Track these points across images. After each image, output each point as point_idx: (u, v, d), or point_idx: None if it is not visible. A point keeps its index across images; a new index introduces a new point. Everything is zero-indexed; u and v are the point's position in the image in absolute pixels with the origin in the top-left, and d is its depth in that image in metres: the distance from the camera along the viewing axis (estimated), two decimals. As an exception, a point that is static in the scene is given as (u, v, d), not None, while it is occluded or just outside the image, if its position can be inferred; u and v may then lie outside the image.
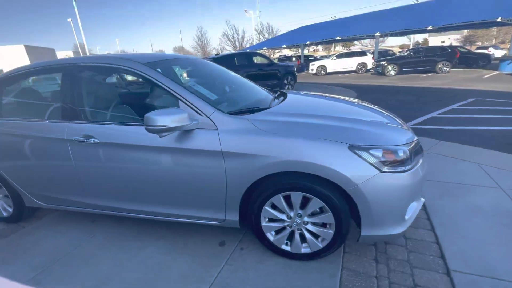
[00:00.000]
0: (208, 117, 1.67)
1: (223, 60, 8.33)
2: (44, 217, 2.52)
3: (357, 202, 1.52)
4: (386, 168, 1.48)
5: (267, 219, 1.74)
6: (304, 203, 1.63)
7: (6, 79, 2.25)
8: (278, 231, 1.77)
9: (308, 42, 20.47)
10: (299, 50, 23.96)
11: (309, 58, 23.76)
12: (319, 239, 1.70)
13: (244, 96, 2.45)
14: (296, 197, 1.62)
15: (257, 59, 9.23)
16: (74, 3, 22.54)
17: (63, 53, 44.66)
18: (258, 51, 15.58)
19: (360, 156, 1.47)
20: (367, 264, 1.72)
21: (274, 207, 1.70)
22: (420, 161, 1.67)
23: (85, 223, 2.36)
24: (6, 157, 2.18)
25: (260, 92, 2.60)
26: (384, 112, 2.12)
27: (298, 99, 2.38)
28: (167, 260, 1.86)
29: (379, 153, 1.49)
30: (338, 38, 17.91)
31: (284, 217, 1.71)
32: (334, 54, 19.15)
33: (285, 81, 9.56)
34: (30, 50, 39.10)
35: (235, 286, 1.61)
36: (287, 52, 34.80)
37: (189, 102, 1.70)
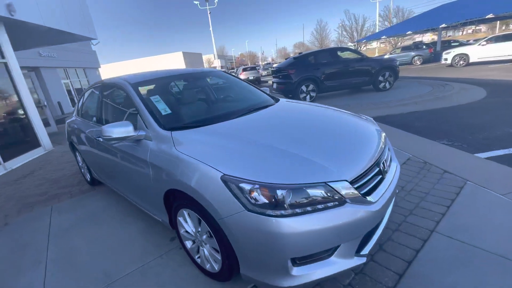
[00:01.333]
0: (150, 131, 1.97)
1: (302, 59, 8.12)
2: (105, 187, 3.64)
3: (227, 235, 1.41)
4: (255, 208, 1.29)
5: (183, 229, 1.88)
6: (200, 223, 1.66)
7: (85, 92, 3.40)
8: (194, 241, 1.87)
9: (443, 25, 16.07)
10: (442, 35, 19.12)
11: (452, 44, 18.66)
12: (214, 261, 1.68)
13: (214, 109, 2.57)
14: (193, 215, 1.67)
15: (344, 55, 8.37)
16: (208, 16, 27.66)
17: (206, 57, 55.69)
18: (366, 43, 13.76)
19: (229, 188, 1.36)
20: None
21: (185, 219, 1.81)
22: (329, 213, 1.31)
23: (112, 198, 3.25)
24: (80, 144, 3.32)
25: (245, 102, 2.62)
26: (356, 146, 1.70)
27: (267, 115, 2.23)
28: (128, 238, 2.37)
29: (247, 188, 1.32)
30: (490, 16, 13.09)
31: (190, 230, 1.79)
32: (483, 38, 14.16)
33: (381, 78, 8.20)
34: (186, 55, 51.09)
35: (150, 277, 1.89)
36: (427, 38, 28.88)
37: (142, 117, 2.05)
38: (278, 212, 1.27)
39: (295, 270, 1.34)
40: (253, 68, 21.30)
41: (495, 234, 1.85)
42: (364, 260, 1.45)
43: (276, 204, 1.28)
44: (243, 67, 21.53)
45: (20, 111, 5.69)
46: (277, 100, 2.74)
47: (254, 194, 1.30)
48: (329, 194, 1.34)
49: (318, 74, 7.88)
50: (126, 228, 2.54)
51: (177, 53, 48.22)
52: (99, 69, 21.83)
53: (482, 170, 2.74)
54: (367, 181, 1.50)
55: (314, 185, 1.33)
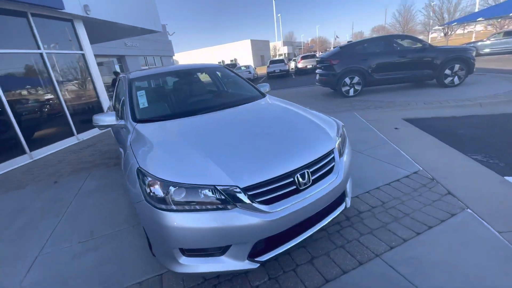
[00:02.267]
0: (127, 120, 2.31)
1: (349, 49, 7.41)
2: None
3: (140, 218, 1.63)
4: (151, 199, 1.46)
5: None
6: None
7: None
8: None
9: None
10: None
11: None
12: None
13: (188, 105, 2.73)
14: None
15: (400, 44, 7.24)
16: (273, 1, 27.32)
17: (274, 44, 55.62)
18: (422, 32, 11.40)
19: (139, 178, 1.55)
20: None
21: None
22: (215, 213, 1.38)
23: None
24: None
25: (223, 99, 2.73)
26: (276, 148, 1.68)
27: (224, 114, 2.30)
28: (123, 206, 2.84)
29: (147, 181, 1.48)
30: None
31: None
32: None
33: (448, 72, 6.86)
34: (253, 43, 52.16)
35: (114, 240, 2.28)
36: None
37: (125, 108, 2.41)
38: (168, 206, 1.40)
39: (183, 259, 1.47)
40: (313, 56, 20.34)
41: (450, 280, 1.54)
42: (255, 266, 1.47)
43: (168, 199, 1.41)
44: (302, 55, 20.74)
45: (93, 93, 7.07)
46: (261, 97, 2.75)
47: (152, 187, 1.46)
48: (217, 197, 1.40)
49: (366, 66, 7.10)
50: (126, 197, 3.04)
51: (245, 41, 49.66)
52: (173, 57, 24.51)
53: (496, 197, 2.19)
54: (269, 191, 1.47)
55: (204, 186, 1.41)
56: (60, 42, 6.16)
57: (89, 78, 6.95)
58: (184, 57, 51.58)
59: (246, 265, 1.46)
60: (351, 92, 7.35)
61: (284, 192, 1.51)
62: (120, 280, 1.83)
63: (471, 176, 2.57)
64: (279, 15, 41.39)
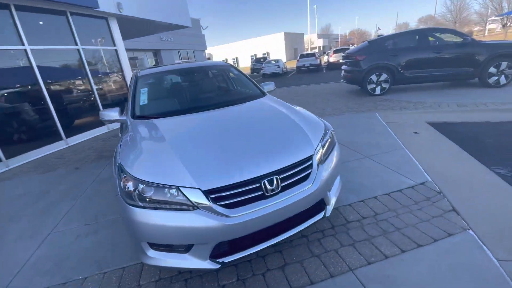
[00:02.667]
0: (127, 116, 2.47)
1: (378, 43, 6.90)
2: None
3: None
4: (123, 194, 1.56)
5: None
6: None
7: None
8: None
9: None
10: None
11: None
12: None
13: (184, 103, 2.79)
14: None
15: (437, 38, 6.53)
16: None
17: (308, 37, 54.04)
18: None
19: (118, 173, 1.66)
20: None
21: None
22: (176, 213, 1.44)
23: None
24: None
25: (220, 98, 2.76)
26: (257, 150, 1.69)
27: (214, 115, 2.33)
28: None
29: (122, 175, 1.58)
30: None
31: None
32: None
33: (493, 70, 6.08)
34: (287, 36, 51.24)
35: (115, 226, 2.48)
36: None
37: (127, 104, 2.57)
38: (136, 203, 1.49)
39: (151, 252, 1.56)
40: (346, 50, 19.32)
41: (424, 301, 1.42)
42: (216, 266, 1.50)
43: (136, 195, 1.50)
44: (335, 48, 19.82)
45: (124, 86, 7.60)
46: (259, 97, 2.74)
47: (126, 183, 1.56)
48: (181, 198, 1.45)
49: (396, 62, 6.58)
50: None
51: (278, 34, 48.96)
52: (206, 51, 25.14)
53: (507, 220, 1.93)
54: (233, 195, 1.48)
55: (170, 187, 1.47)
56: (95, 38, 6.69)
57: (120, 72, 7.47)
58: (218, 51, 52.63)
59: (207, 264, 1.50)
60: (378, 90, 6.90)
61: (250, 197, 1.51)
62: (109, 263, 1.99)
63: (486, 192, 2.29)
64: (315, 6, 39.94)
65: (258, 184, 1.53)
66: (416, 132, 3.90)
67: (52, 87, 5.64)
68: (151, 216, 1.46)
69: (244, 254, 1.55)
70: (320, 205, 1.84)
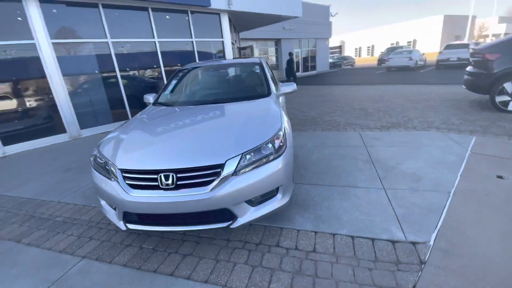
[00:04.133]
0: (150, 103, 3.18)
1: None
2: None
3: None
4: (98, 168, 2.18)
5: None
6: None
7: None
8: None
9: None
10: None
11: None
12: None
13: (196, 96, 3.17)
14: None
15: None
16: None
17: (480, 21, 40.37)
18: None
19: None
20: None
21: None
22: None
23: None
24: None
25: (227, 95, 2.99)
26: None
27: (199, 108, 2.61)
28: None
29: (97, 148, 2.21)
30: None
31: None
32: None
33: None
34: (447, 20, 40.60)
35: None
36: None
37: (159, 92, 3.28)
38: (93, 166, 2.09)
39: (103, 203, 2.13)
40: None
41: None
42: (124, 228, 1.90)
43: (92, 160, 2.10)
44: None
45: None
46: (262, 97, 2.79)
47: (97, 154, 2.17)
48: (110, 169, 1.91)
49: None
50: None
51: (436, 17, 39.31)
52: (330, 39, 24.13)
53: None
54: (136, 178, 1.79)
55: (105, 159, 1.97)
56: (207, 31, 8.10)
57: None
58: (352, 38, 48.78)
59: (121, 224, 1.92)
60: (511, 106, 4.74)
61: (148, 184, 1.78)
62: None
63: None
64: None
65: (156, 176, 1.76)
66: (500, 177, 2.62)
67: (167, 69, 7.46)
68: (95, 177, 2.02)
69: (146, 229, 1.86)
70: (226, 214, 1.83)
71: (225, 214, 1.83)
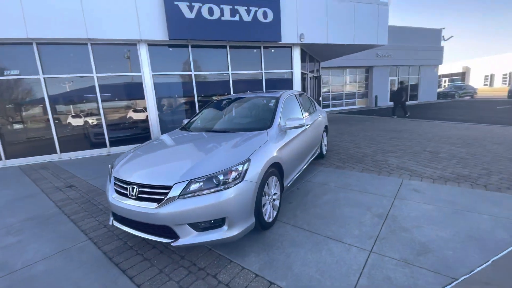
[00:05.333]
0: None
1: None
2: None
3: None
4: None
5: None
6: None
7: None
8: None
9: None
10: None
11: None
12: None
13: (212, 124, 3.56)
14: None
15: None
16: None
17: None
18: None
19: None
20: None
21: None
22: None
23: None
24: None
25: (232, 125, 3.27)
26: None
27: (201, 135, 2.99)
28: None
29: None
30: None
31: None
32: None
33: None
34: None
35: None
36: None
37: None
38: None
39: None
40: None
41: None
42: (110, 223, 2.43)
43: (110, 168, 2.80)
44: None
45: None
46: (257, 131, 2.94)
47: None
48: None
49: None
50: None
51: None
52: (440, 65, 20.65)
53: None
54: (118, 185, 2.31)
55: (111, 168, 2.61)
56: (276, 64, 8.70)
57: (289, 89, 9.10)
58: (480, 63, 39.62)
59: (110, 219, 2.44)
60: None
61: (123, 192, 2.25)
62: (134, 203, 3.52)
63: None
64: None
65: (127, 186, 2.21)
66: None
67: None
68: (108, 180, 2.68)
69: (122, 228, 2.30)
70: (168, 232, 2.06)
71: (168, 231, 2.08)
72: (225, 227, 2.08)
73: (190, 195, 2.02)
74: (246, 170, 2.21)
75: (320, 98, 15.21)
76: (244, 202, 2.14)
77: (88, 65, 6.50)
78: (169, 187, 2.06)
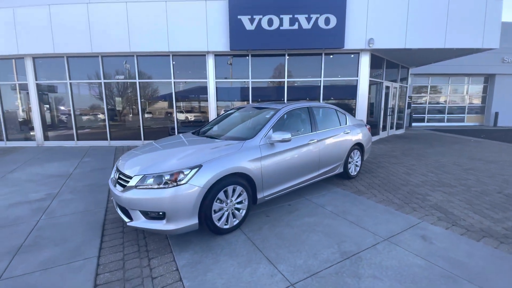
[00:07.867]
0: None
1: None
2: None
3: None
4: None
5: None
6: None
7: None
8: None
9: None
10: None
11: None
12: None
13: (220, 130, 3.80)
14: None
15: None
16: None
17: None
18: None
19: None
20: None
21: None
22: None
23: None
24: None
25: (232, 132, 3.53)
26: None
27: (200, 138, 3.36)
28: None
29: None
30: None
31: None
32: None
33: None
34: None
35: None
36: None
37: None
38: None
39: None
40: None
41: None
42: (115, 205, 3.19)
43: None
44: None
45: (352, 109, 8.34)
46: (242, 140, 3.11)
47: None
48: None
49: None
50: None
51: None
52: None
53: None
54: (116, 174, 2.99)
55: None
56: (339, 71, 8.14)
57: (353, 98, 8.32)
58: None
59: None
60: None
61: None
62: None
63: None
64: None
65: (118, 174, 2.85)
66: None
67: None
68: None
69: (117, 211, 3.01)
70: (127, 213, 2.56)
71: (127, 212, 2.58)
72: (164, 221, 2.40)
73: (143, 187, 2.45)
74: (193, 174, 2.45)
75: (409, 110, 13.04)
76: (184, 203, 2.39)
77: (168, 72, 8.10)
78: (130, 177, 2.56)
